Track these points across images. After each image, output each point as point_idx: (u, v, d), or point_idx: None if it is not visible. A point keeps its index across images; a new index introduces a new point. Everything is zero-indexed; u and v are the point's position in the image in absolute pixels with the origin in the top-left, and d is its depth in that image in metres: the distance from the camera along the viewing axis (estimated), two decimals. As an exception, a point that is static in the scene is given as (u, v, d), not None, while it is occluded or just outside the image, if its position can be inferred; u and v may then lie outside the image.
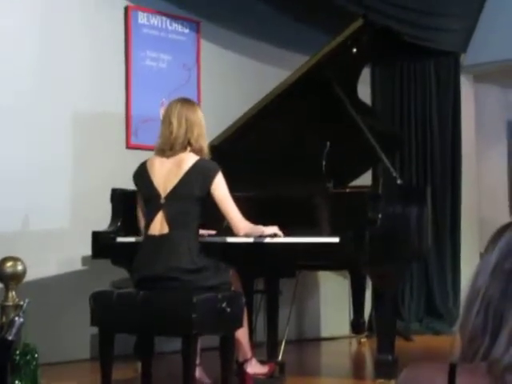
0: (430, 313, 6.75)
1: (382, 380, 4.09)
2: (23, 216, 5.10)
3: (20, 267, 3.98)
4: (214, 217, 3.92)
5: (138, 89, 5.63)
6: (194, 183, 3.78)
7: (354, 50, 4.73)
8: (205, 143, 3.91)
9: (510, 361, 1.25)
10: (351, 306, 6.10)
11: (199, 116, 3.92)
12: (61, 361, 5.00)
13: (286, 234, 4.00)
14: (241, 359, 4.11)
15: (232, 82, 6.13)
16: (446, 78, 6.85)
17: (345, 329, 6.34)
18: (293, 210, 4.19)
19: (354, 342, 6.19)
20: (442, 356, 4.79)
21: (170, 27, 5.85)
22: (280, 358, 4.50)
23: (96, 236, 4.52)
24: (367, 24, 4.70)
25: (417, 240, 4.33)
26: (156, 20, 5.78)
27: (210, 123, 5.54)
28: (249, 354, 4.13)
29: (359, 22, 4.65)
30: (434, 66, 6.87)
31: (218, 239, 4.11)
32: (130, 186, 4.09)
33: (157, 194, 3.84)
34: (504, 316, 1.28)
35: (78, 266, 5.27)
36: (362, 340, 6.10)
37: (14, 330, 3.47)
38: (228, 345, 3.79)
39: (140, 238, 4.02)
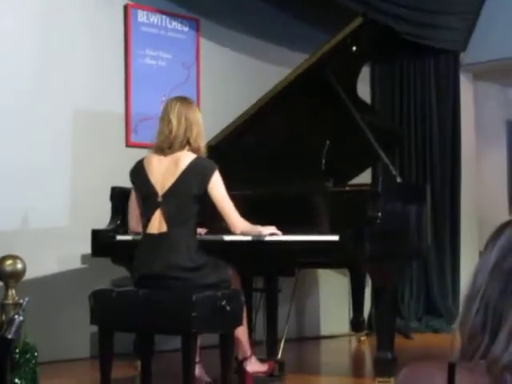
0: (429, 311, 6.75)
1: (381, 378, 4.09)
2: (23, 214, 5.10)
3: (20, 265, 3.99)
4: (211, 215, 3.92)
5: (137, 87, 5.63)
6: (192, 181, 3.78)
7: (354, 48, 4.73)
8: (202, 143, 3.91)
9: (509, 359, 1.25)
10: (351, 304, 6.10)
11: (198, 115, 3.93)
12: (60, 359, 5.01)
13: (286, 233, 4.00)
14: (240, 357, 4.12)
15: (232, 81, 6.13)
16: (445, 77, 6.85)
17: (344, 327, 6.34)
18: (292, 209, 4.19)
19: (354, 340, 6.18)
20: (441, 354, 4.79)
21: (169, 25, 5.84)
22: (279, 356, 4.50)
23: (96, 234, 4.52)
24: (367, 22, 4.69)
25: (416, 238, 4.33)
26: (155, 18, 5.78)
27: (209, 121, 5.55)
28: (248, 352, 4.14)
29: (359, 20, 4.65)
30: (434, 65, 6.87)
31: (217, 237, 4.11)
32: (130, 184, 4.09)
33: (154, 193, 3.83)
34: (503, 314, 1.28)
35: (77, 264, 5.27)
36: (362, 338, 6.09)
37: (13, 329, 3.47)
38: (228, 343, 3.79)
39: (139, 237, 4.01)
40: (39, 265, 4.97)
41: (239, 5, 6.18)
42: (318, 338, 6.33)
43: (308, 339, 6.23)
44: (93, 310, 3.81)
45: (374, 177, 4.18)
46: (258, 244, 4.00)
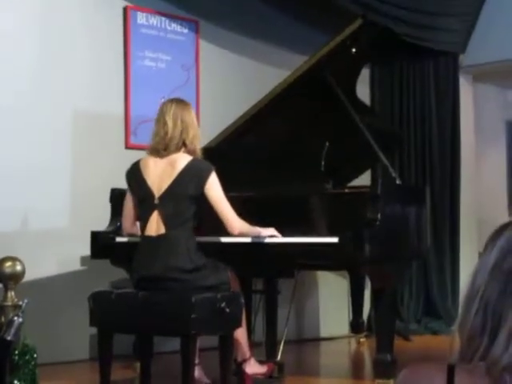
0: (428, 313, 6.75)
1: (380, 380, 4.09)
2: (22, 216, 5.10)
3: (19, 267, 3.98)
4: (208, 217, 3.91)
5: (137, 89, 5.63)
6: (188, 183, 3.78)
7: (354, 49, 4.74)
8: (198, 145, 3.92)
9: (508, 361, 1.25)
10: (350, 306, 6.10)
11: (193, 117, 3.93)
12: (60, 361, 5.00)
13: (285, 235, 4.00)
14: (239, 359, 4.12)
15: (231, 82, 6.13)
16: (445, 79, 6.85)
17: (344, 329, 6.34)
18: (292, 210, 4.19)
19: (353, 341, 6.18)
20: (440, 356, 4.79)
21: (168, 27, 5.85)
22: (279, 357, 4.49)
23: (95, 236, 4.52)
24: (366, 24, 4.70)
25: (416, 240, 4.33)
26: (155, 20, 5.78)
27: (208, 123, 5.58)
28: (247, 353, 4.14)
29: (358, 22, 4.65)
30: (433, 67, 6.87)
31: (217, 239, 4.11)
32: (128, 186, 4.09)
33: (151, 195, 3.83)
34: (503, 316, 1.28)
35: (77, 266, 5.27)
36: (361, 340, 6.09)
37: (12, 330, 3.47)
38: (227, 345, 3.79)
39: (137, 238, 4.01)
40: (38, 266, 4.97)
41: (239, 6, 6.18)
42: (318, 339, 6.33)
43: (307, 341, 6.23)
44: (92, 311, 3.81)
45: (374, 179, 4.17)
46: (258, 246, 4.00)
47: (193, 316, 3.53)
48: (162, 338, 4.96)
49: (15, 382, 3.73)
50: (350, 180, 5.12)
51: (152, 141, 3.92)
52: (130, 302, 3.71)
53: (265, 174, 4.48)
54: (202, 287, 3.70)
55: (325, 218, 4.12)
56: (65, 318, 5.14)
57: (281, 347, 4.52)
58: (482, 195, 7.37)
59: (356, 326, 6.09)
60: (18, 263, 3.99)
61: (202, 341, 4.01)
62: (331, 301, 6.41)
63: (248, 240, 4.00)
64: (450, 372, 1.28)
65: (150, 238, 3.83)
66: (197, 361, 3.94)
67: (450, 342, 1.38)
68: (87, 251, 4.60)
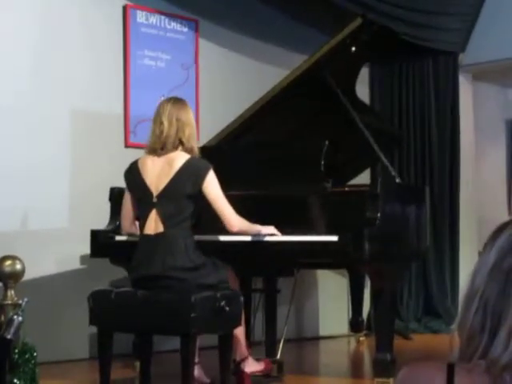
0: (428, 312, 6.75)
1: (380, 379, 4.09)
2: (22, 215, 5.10)
3: (19, 266, 3.98)
4: (207, 216, 3.92)
5: (136, 88, 5.63)
6: (186, 182, 3.78)
7: (353, 49, 4.73)
8: (195, 143, 3.91)
9: (508, 360, 1.25)
10: (350, 305, 6.10)
11: (190, 116, 3.92)
12: (59, 360, 5.00)
13: (285, 233, 4.00)
14: (238, 358, 4.12)
15: (231, 81, 6.13)
16: (444, 78, 6.85)
17: (343, 327, 6.34)
18: (292, 209, 4.19)
19: (353, 340, 6.18)
20: (440, 355, 4.80)
21: (168, 26, 5.84)
22: (278, 356, 4.49)
23: (95, 235, 4.52)
24: (366, 23, 4.70)
25: (415, 239, 4.34)
26: (154, 19, 5.78)
27: (208, 122, 5.58)
28: (246, 353, 4.14)
29: (358, 22, 4.65)
30: (433, 66, 6.87)
31: (216, 238, 4.11)
32: (128, 185, 4.09)
33: (149, 193, 3.83)
34: (502, 315, 1.28)
35: (76, 264, 5.27)
36: (361, 339, 6.09)
37: (12, 329, 3.47)
38: (226, 344, 3.79)
39: (136, 237, 4.01)
40: (38, 265, 4.97)
41: (238, 6, 6.18)
42: (317, 338, 6.33)
43: (307, 340, 6.23)
44: (92, 310, 3.81)
45: (373, 178, 4.17)
46: (258, 244, 4.00)
47: (192, 315, 3.53)
48: (162, 337, 4.96)
49: (15, 380, 3.73)
50: (350, 179, 5.13)
51: (149, 140, 3.93)
52: (130, 301, 3.71)
53: (264, 173, 4.48)
54: (201, 286, 3.70)
55: (324, 216, 4.12)
56: (65, 316, 5.14)
57: (280, 346, 4.52)
58: (481, 194, 7.37)
59: (356, 325, 6.09)
60: (17, 262, 3.98)
61: (202, 340, 4.01)
62: (331, 300, 6.41)
63: (248, 239, 4.00)
64: (450, 371, 1.28)
65: (148, 236, 3.83)
66: (196, 360, 3.94)
67: (451, 341, 1.38)
68: (87, 250, 4.60)
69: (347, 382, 4.82)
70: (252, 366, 4.19)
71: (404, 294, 6.66)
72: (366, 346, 5.97)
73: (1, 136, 5.02)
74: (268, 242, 3.99)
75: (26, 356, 3.77)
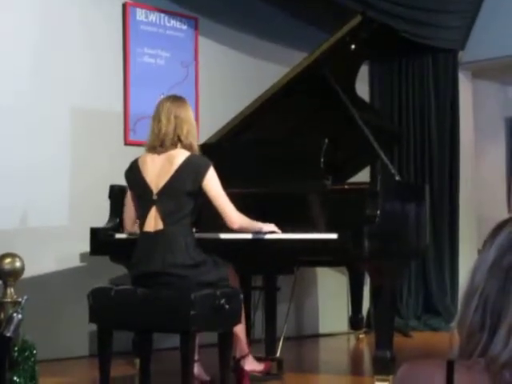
0: (428, 310, 6.75)
1: (380, 376, 4.09)
2: (22, 213, 5.10)
3: (18, 264, 3.98)
4: (207, 213, 3.92)
5: (136, 86, 5.62)
6: (186, 179, 3.78)
7: (353, 46, 4.73)
8: (194, 140, 3.91)
9: (508, 357, 1.25)
10: (349, 303, 6.10)
11: (189, 113, 3.92)
12: (59, 357, 5.00)
13: (285, 231, 4.00)
14: (238, 355, 4.12)
15: (230, 79, 6.13)
16: (444, 75, 6.85)
17: (343, 325, 6.34)
18: (291, 207, 4.19)
19: (353, 338, 6.19)
20: (440, 353, 4.80)
21: (168, 24, 5.84)
22: (278, 354, 4.50)
23: (94, 232, 4.52)
24: (366, 21, 4.69)
25: (415, 237, 4.34)
26: (154, 17, 5.77)
27: (207, 120, 5.58)
28: (246, 350, 4.14)
29: (358, 19, 4.65)
30: (433, 63, 6.87)
31: (216, 235, 4.11)
32: (129, 182, 4.09)
33: (149, 191, 3.83)
34: (502, 312, 1.28)
35: (76, 262, 5.27)
36: (361, 336, 6.10)
37: (12, 327, 3.47)
38: (226, 341, 3.79)
39: (136, 236, 4.01)
40: (38, 263, 4.97)
41: (238, 3, 6.18)
42: (317, 336, 6.34)
43: (307, 337, 6.24)
44: (91, 308, 3.81)
45: (373, 175, 4.17)
46: (258, 242, 4.00)
47: (192, 313, 3.53)
48: (162, 335, 4.96)
49: (15, 378, 3.73)
50: (350, 177, 5.13)
51: (148, 138, 3.93)
52: (130, 299, 3.71)
53: (264, 171, 4.47)
54: (201, 283, 3.70)
55: (324, 214, 4.12)
56: (64, 314, 5.14)
57: (280, 344, 4.53)
58: (481, 192, 7.37)
59: (355, 323, 6.09)
60: (17, 260, 3.98)
61: (202, 337, 4.01)
62: (330, 297, 6.41)
63: (248, 236, 4.00)
64: (450, 368, 1.29)
65: (148, 234, 3.83)
66: (196, 357, 3.95)
67: (450, 338, 1.38)
68: (86, 248, 4.60)
69: (347, 379, 4.83)
70: (252, 365, 4.20)
71: (404, 291, 6.66)
72: (365, 343, 5.98)
73: (1, 136, 5.02)
74: (268, 239, 3.99)
75: (26, 354, 3.77)
